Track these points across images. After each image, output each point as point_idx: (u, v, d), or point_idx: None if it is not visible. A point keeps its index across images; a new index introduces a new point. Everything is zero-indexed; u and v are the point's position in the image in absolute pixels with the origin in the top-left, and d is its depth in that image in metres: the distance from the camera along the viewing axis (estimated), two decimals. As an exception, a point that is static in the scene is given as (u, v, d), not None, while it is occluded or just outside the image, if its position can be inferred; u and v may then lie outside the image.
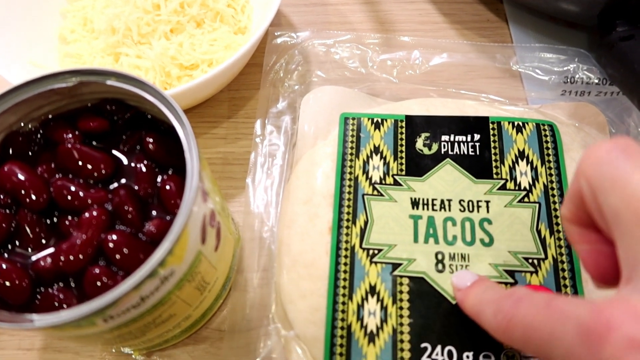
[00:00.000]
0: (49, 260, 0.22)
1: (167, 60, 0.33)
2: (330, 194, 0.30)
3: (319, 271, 0.28)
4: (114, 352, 0.29)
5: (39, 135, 0.26)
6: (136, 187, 0.24)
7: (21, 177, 0.23)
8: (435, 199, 0.30)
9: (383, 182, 0.31)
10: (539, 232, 0.29)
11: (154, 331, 0.24)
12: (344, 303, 0.27)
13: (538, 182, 0.30)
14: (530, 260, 0.28)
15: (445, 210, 0.30)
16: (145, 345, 0.26)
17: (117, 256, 0.22)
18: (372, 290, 0.27)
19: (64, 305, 0.22)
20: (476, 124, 0.32)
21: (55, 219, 0.24)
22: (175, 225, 0.20)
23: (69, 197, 0.24)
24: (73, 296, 0.22)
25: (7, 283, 0.21)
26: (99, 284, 0.22)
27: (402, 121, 0.33)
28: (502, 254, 0.28)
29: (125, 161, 0.25)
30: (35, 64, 0.35)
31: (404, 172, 0.31)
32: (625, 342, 0.15)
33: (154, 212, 0.24)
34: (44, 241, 0.23)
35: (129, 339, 0.24)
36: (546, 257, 0.28)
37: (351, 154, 0.32)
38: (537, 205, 0.29)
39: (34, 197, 0.23)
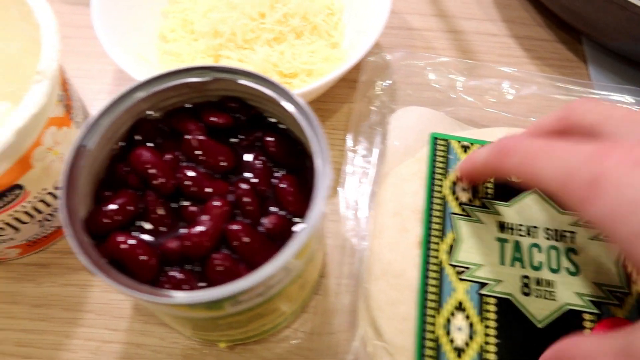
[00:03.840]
0: (175, 242, 0.23)
1: (269, 66, 0.35)
2: (419, 210, 0.31)
3: (408, 282, 0.29)
4: (199, 340, 0.30)
5: (164, 124, 0.27)
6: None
7: (153, 161, 0.25)
8: (522, 225, 0.31)
9: (471, 204, 0.31)
10: (624, 267, 0.29)
11: (256, 322, 0.25)
12: (432, 316, 0.28)
13: (624, 218, 0.31)
14: (615, 294, 0.28)
15: (531, 236, 0.30)
16: (240, 336, 0.27)
17: (239, 246, 0.23)
18: (460, 306, 0.28)
19: (184, 287, 0.23)
20: (562, 157, 0.33)
21: (178, 204, 0.25)
22: (310, 223, 0.21)
23: (194, 185, 0.25)
24: (194, 279, 0.23)
25: (139, 259, 0.22)
26: (221, 269, 0.23)
27: (489, 147, 0.34)
28: (588, 284, 0.29)
29: (243, 157, 0.27)
30: (143, 58, 0.36)
31: (491, 196, 0.32)
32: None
33: (270, 208, 0.25)
34: (165, 227, 0.24)
35: (235, 327, 0.25)
36: (630, 293, 0.29)
37: (440, 174, 0.33)
38: (623, 240, 0.30)
39: (163, 181, 0.24)
